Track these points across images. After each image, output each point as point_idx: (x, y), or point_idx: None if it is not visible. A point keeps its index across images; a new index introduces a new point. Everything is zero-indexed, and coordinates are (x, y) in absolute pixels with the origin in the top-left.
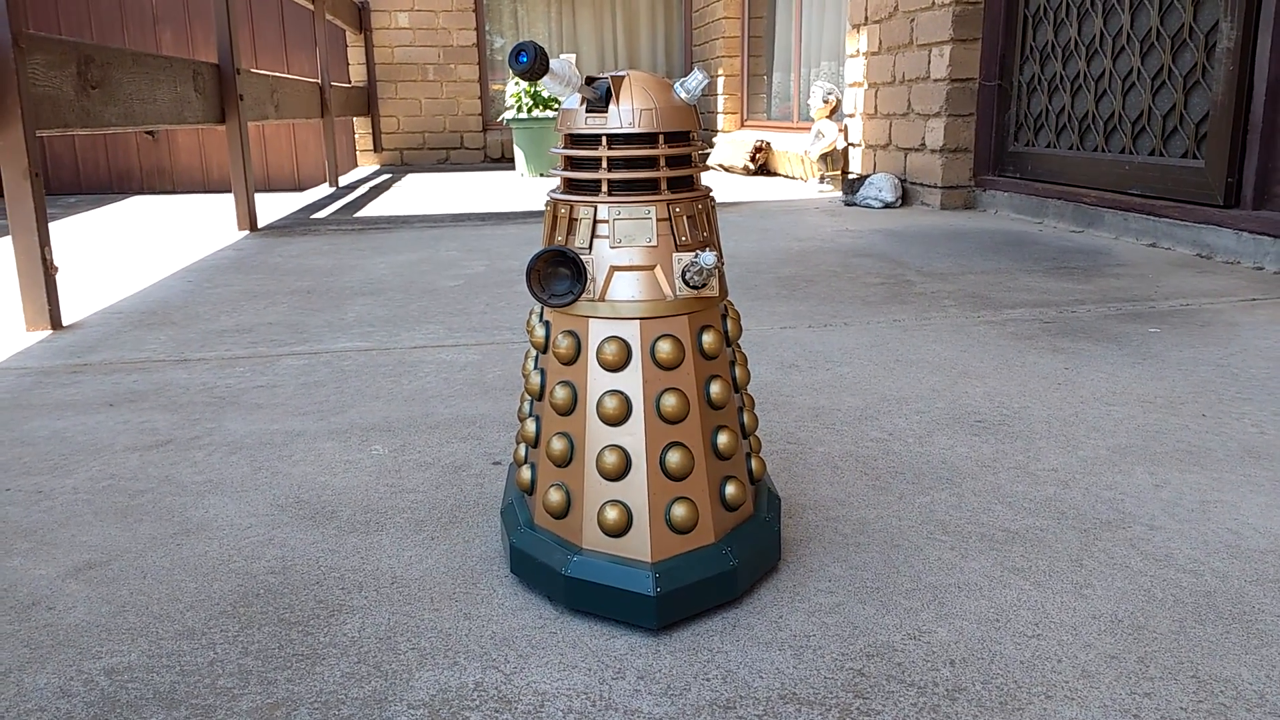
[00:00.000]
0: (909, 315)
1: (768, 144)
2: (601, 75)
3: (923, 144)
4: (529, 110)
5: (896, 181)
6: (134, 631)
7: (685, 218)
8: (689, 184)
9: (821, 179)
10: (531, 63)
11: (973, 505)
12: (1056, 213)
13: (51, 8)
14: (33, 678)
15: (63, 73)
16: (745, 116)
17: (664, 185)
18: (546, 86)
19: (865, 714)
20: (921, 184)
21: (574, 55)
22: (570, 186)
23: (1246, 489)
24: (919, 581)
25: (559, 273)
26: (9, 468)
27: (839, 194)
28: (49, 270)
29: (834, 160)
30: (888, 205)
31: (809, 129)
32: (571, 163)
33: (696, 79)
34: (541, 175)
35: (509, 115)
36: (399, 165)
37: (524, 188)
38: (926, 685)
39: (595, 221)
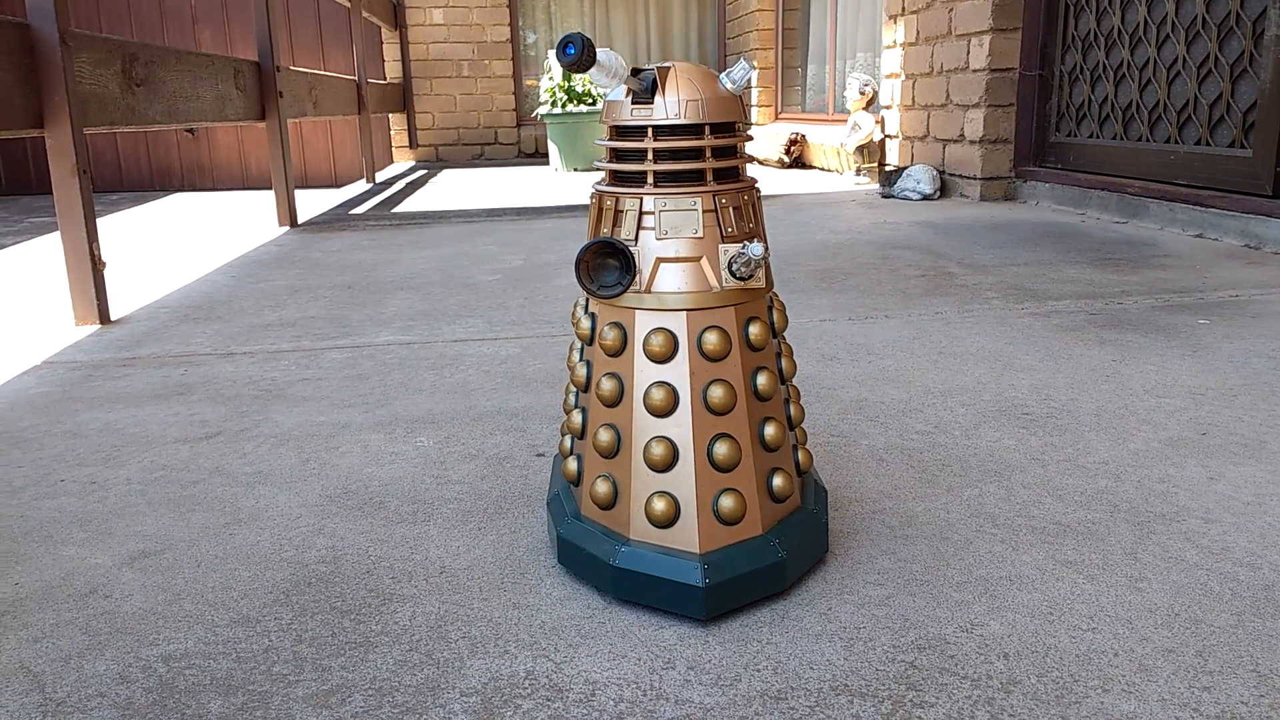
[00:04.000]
0: (951, 307)
1: (803, 136)
2: (647, 67)
3: (961, 135)
4: (563, 105)
5: (935, 173)
6: (190, 619)
7: (731, 209)
8: (735, 175)
9: (858, 171)
10: (579, 54)
11: (1022, 498)
12: (1100, 204)
13: (93, 7)
14: (92, 664)
15: (108, 70)
16: (780, 109)
17: (710, 176)
18: (593, 78)
19: (919, 706)
20: (960, 175)
21: (606, 49)
22: (616, 178)
23: None
24: (969, 574)
25: (608, 264)
26: (63, 459)
27: (876, 186)
28: (97, 265)
29: (870, 152)
30: (926, 197)
31: (845, 121)
32: (617, 154)
33: (742, 69)
34: (576, 170)
35: (543, 110)
36: (434, 161)
37: (558, 182)
38: (980, 678)
39: (641, 213)
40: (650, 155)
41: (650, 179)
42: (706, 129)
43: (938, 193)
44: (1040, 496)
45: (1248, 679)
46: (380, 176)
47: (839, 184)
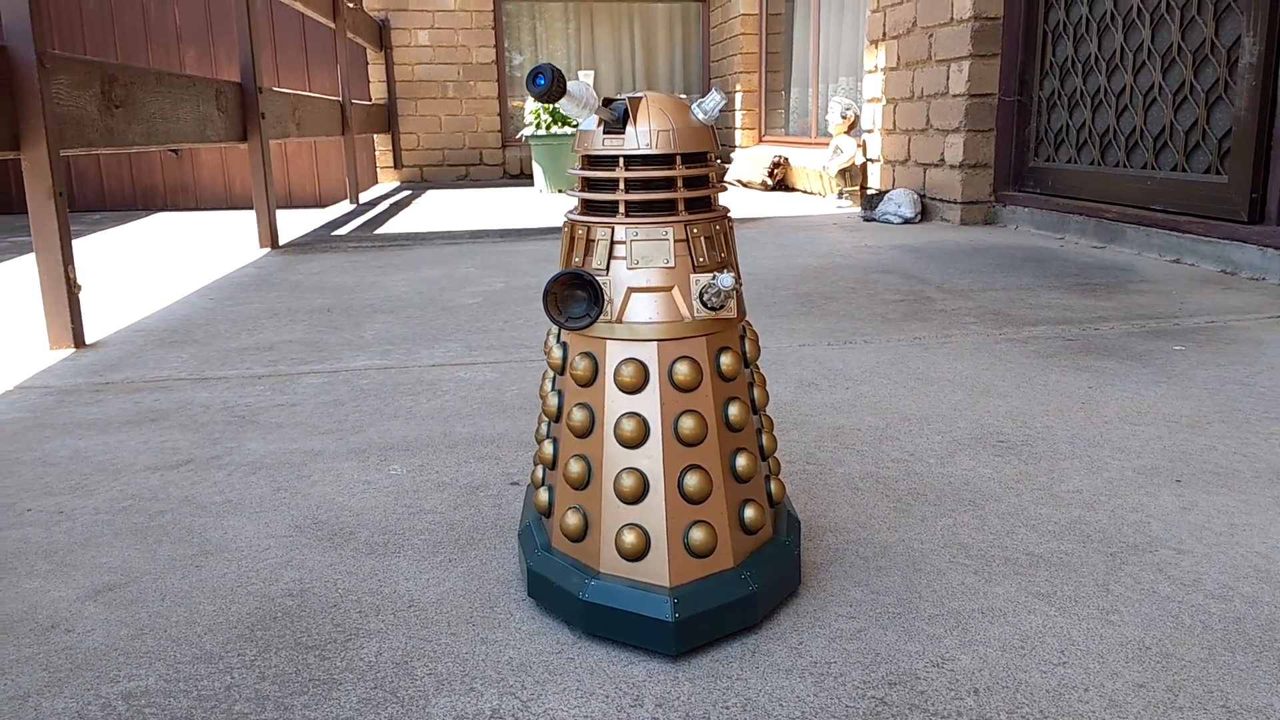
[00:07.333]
0: (929, 332)
1: (785, 159)
2: (619, 96)
3: (942, 159)
4: (548, 127)
5: (915, 197)
6: (152, 655)
7: (703, 238)
8: (706, 204)
9: (840, 194)
10: (549, 85)
11: (996, 528)
12: (1078, 228)
13: (76, 27)
14: (51, 701)
15: (87, 92)
16: (763, 132)
17: (681, 206)
18: (564, 108)
19: None
20: (941, 199)
21: (592, 72)
22: (588, 207)
23: (1276, 511)
24: (942, 607)
25: (576, 295)
26: (30, 488)
27: (857, 209)
28: (72, 289)
29: (852, 176)
30: (907, 221)
31: (827, 144)
32: (589, 184)
33: (714, 100)
34: (560, 191)
35: (528, 132)
36: (419, 181)
37: (543, 204)
38: (950, 715)
39: (613, 242)
40: (622, 185)
41: (622, 208)
42: (678, 159)
43: (918, 216)
44: (1014, 526)
45: (1217, 714)
46: (364, 197)
47: (821, 207)
